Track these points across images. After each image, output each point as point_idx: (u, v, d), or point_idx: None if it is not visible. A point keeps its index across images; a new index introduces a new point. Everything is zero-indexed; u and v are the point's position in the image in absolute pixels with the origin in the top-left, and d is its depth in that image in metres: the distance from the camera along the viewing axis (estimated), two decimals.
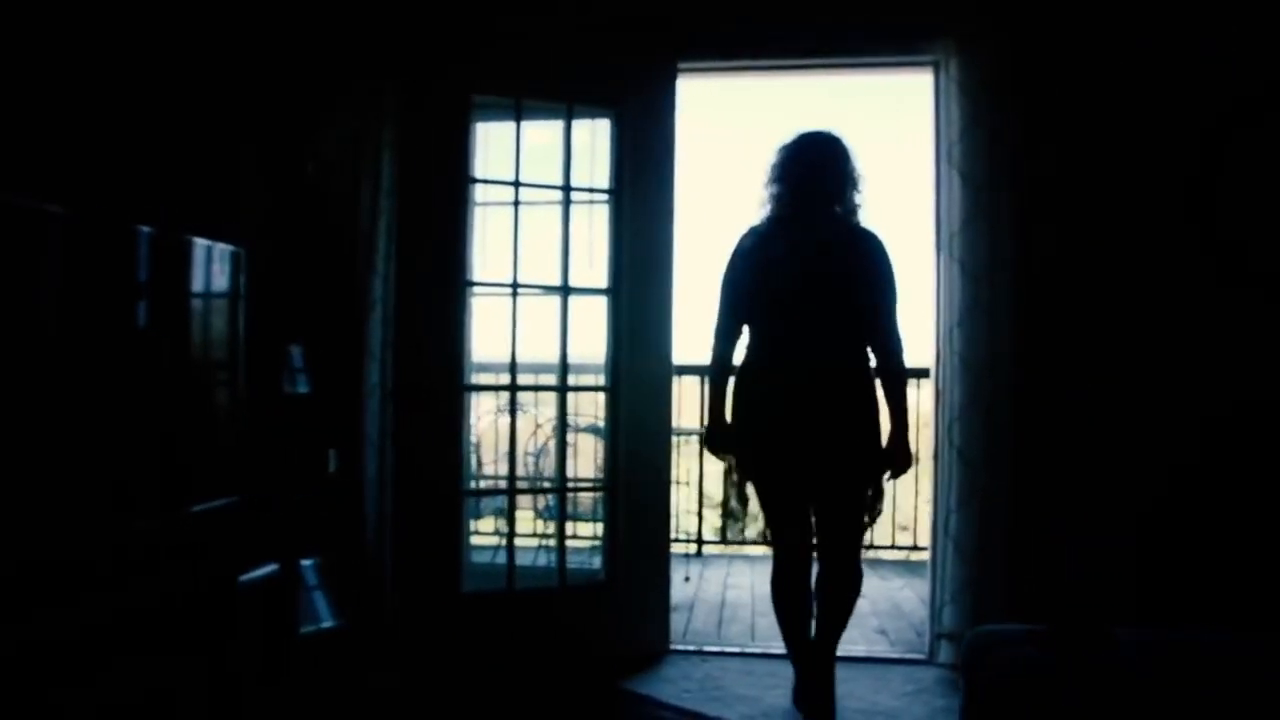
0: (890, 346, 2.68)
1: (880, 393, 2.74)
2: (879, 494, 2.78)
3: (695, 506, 5.38)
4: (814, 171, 2.69)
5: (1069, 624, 2.08)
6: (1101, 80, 3.21)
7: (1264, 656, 1.95)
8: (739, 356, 2.81)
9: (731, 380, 2.81)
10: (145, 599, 2.37)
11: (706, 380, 2.91)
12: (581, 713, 3.00)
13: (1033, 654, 1.98)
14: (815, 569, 2.84)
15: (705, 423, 2.97)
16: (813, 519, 2.78)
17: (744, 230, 2.80)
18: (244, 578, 2.81)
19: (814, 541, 2.80)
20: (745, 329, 2.79)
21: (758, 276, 2.70)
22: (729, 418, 2.80)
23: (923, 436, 3.60)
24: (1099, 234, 3.22)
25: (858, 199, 2.74)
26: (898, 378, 2.74)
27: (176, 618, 2.53)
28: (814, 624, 2.84)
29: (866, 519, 2.79)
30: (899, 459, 2.73)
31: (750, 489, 2.83)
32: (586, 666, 3.27)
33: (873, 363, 2.73)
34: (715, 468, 5.91)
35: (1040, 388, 3.22)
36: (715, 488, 6.03)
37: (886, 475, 2.75)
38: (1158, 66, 3.18)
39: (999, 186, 3.20)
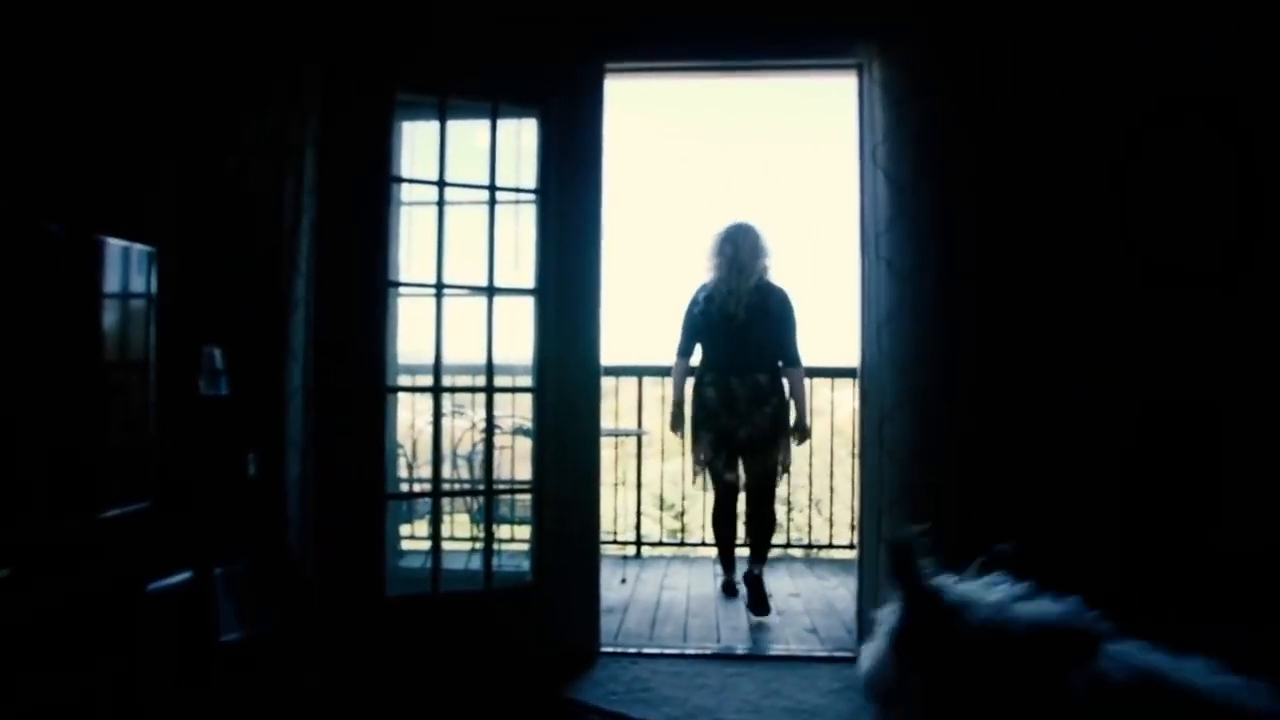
0: (791, 358, 4.09)
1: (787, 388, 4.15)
2: (787, 456, 4.17)
3: (634, 507, 5.35)
4: (737, 249, 4.03)
5: None
6: (1021, 83, 3.24)
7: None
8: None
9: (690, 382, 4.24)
10: (49, 605, 2.31)
11: (671, 383, 4.31)
12: (502, 715, 2.97)
13: None
14: (743, 507, 4.26)
15: (670, 410, 4.34)
16: (741, 474, 4.13)
17: (698, 285, 4.14)
18: (156, 584, 2.75)
19: (740, 486, 4.18)
20: (698, 348, 4.18)
21: (705, 316, 4.07)
22: (689, 407, 4.19)
23: (852, 436, 3.65)
24: (1020, 233, 3.25)
25: (767, 263, 4.07)
26: (798, 378, 4.12)
27: (84, 625, 2.47)
28: (748, 550, 4.24)
29: (780, 469, 4.17)
30: (800, 432, 4.18)
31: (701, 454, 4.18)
32: (514, 670, 3.24)
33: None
34: (655, 470, 5.94)
35: (967, 385, 3.25)
36: (657, 487, 6.03)
37: (794, 443, 4.18)
38: (1077, 70, 3.23)
39: (923, 186, 3.24)
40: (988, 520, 3.19)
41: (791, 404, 4.10)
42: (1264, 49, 3.15)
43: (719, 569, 4.59)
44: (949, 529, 3.13)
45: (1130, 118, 3.22)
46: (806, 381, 4.22)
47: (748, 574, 4.14)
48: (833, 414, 5.48)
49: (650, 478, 5.75)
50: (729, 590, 4.35)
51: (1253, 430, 3.17)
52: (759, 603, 3.99)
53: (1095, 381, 3.24)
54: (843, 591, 4.42)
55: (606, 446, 5.42)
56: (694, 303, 4.13)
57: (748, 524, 4.23)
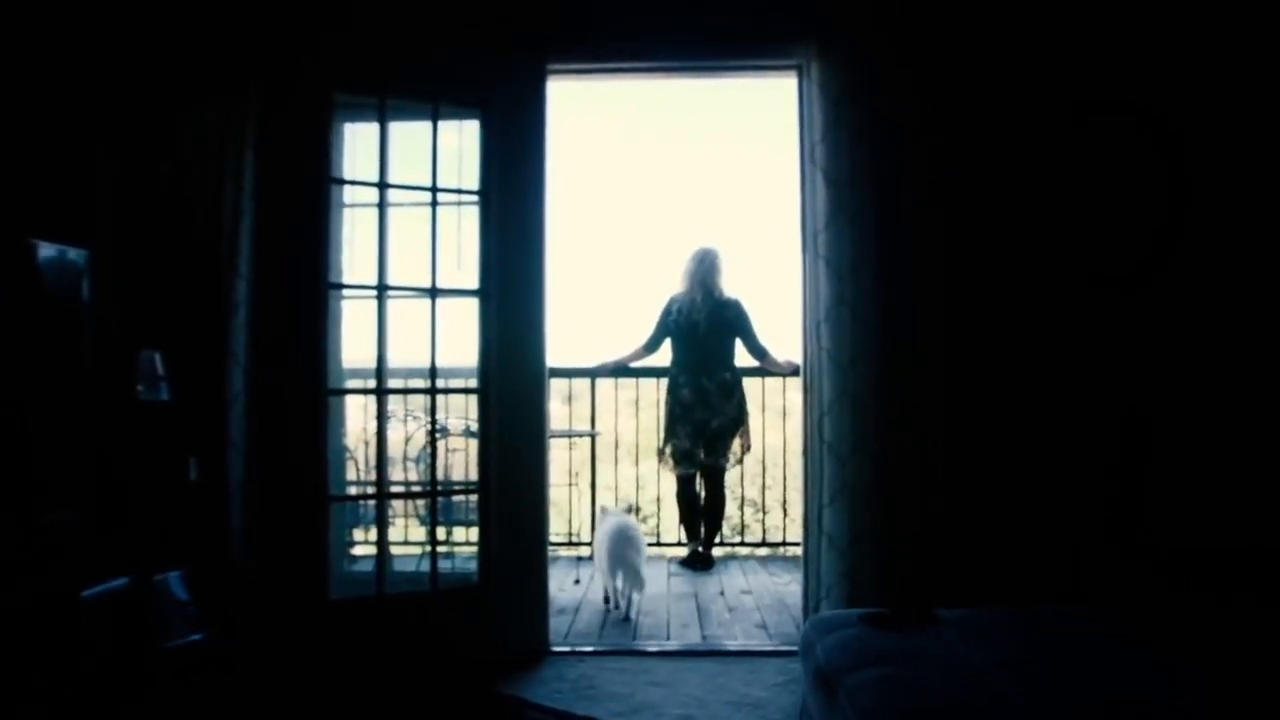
0: (758, 350, 4.84)
1: (745, 388, 4.93)
2: (748, 438, 4.88)
3: (589, 509, 5.36)
4: (702, 268, 4.84)
5: (897, 605, 2.13)
6: (955, 84, 3.29)
7: (1055, 623, 2.05)
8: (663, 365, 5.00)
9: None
10: None
11: (627, 361, 5.04)
12: (445, 715, 2.97)
13: (858, 634, 2.02)
14: (701, 489, 4.99)
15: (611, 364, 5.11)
16: (701, 459, 4.86)
17: (671, 295, 4.89)
18: (92, 591, 2.72)
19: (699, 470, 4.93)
20: (665, 348, 4.90)
21: (677, 325, 4.83)
22: (663, 406, 4.95)
23: (795, 432, 3.69)
24: (959, 231, 3.30)
25: (720, 280, 4.84)
26: (770, 361, 4.84)
27: (15, 633, 2.45)
28: (702, 525, 5.01)
29: (740, 453, 4.88)
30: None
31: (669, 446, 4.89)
32: (461, 670, 3.24)
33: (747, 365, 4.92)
34: (625, 475, 5.95)
35: (905, 382, 3.29)
36: (624, 490, 6.04)
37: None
38: (1010, 70, 3.29)
39: (860, 185, 3.28)
40: (928, 515, 3.26)
41: (746, 402, 4.93)
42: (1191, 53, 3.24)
43: (674, 568, 4.96)
44: (888, 523, 3.22)
45: (1061, 119, 3.29)
46: (760, 381, 5.14)
47: (704, 550, 4.97)
48: (785, 415, 5.52)
49: (617, 481, 5.75)
50: (694, 561, 4.94)
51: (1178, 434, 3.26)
52: (707, 562, 4.93)
53: (1035, 379, 3.30)
54: (794, 588, 4.44)
55: (562, 448, 5.44)
56: (668, 311, 4.89)
57: (705, 501, 4.95)
